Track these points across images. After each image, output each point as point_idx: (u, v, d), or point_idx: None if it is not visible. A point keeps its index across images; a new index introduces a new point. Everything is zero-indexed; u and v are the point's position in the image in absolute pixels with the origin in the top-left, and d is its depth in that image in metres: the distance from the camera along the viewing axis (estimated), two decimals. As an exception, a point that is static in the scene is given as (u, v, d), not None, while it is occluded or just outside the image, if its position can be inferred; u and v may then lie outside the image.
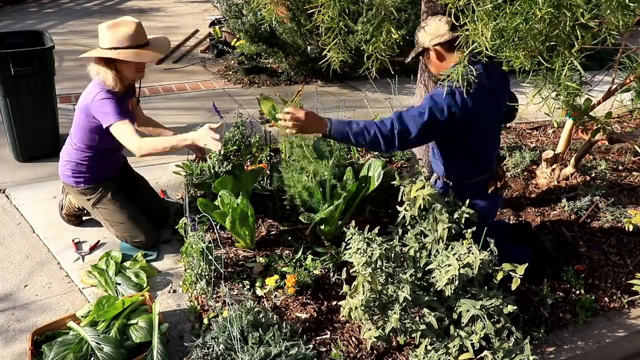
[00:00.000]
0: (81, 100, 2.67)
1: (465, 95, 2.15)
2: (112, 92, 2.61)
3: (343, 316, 2.35)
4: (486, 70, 2.23)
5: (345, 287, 2.24)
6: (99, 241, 2.93)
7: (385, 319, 2.14)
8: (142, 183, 3.15)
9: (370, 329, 2.15)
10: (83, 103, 2.65)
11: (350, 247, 2.15)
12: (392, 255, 2.16)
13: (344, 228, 2.85)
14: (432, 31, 2.27)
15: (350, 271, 2.18)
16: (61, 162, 2.85)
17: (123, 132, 2.54)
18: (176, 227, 3.02)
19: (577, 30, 1.55)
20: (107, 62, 2.59)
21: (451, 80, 2.01)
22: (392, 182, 2.32)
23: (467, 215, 2.22)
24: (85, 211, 3.01)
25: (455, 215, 2.22)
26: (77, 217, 3.05)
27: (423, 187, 2.21)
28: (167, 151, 2.59)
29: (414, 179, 2.27)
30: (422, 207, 2.21)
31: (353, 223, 2.22)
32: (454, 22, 2.08)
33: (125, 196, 2.90)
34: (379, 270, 2.11)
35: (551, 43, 1.63)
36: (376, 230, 2.19)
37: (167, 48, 2.89)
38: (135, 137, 2.53)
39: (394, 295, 2.11)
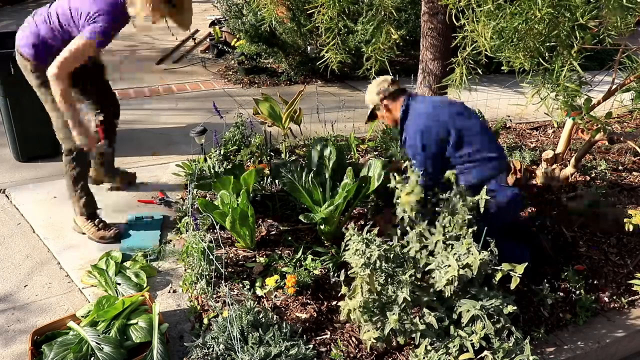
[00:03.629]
0: None
1: (427, 125, 2.52)
2: (125, 13, 2.46)
3: (342, 317, 2.35)
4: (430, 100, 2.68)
5: (344, 289, 2.24)
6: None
7: (385, 319, 2.14)
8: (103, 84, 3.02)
9: (369, 330, 2.15)
10: None
11: (349, 248, 2.15)
12: (392, 256, 2.15)
13: (344, 228, 2.86)
14: (376, 90, 2.70)
15: (349, 272, 2.18)
16: (25, 35, 2.60)
17: (79, 49, 2.40)
18: (177, 227, 3.03)
19: (576, 31, 1.55)
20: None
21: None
22: (388, 185, 2.31)
23: (486, 199, 2.20)
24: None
25: (472, 203, 2.21)
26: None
27: (412, 192, 2.19)
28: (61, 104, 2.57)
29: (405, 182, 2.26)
30: (411, 210, 2.20)
31: (352, 224, 2.22)
32: (392, 78, 2.66)
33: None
34: (378, 271, 2.11)
35: (551, 44, 1.63)
36: (376, 230, 2.19)
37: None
38: (67, 65, 2.43)
39: (394, 296, 2.11)
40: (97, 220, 2.96)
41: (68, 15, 2.52)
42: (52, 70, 2.47)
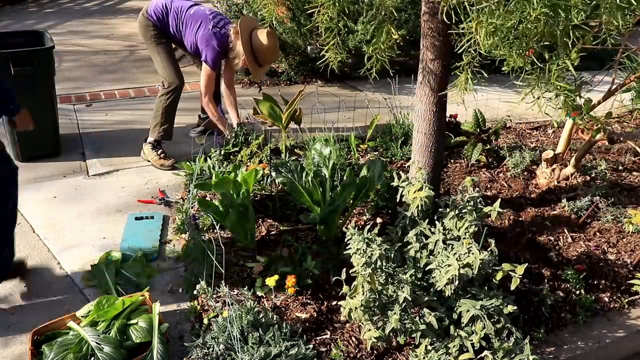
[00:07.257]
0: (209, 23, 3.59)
1: None
2: (225, 47, 3.60)
3: (343, 316, 2.35)
4: None
5: (345, 288, 2.24)
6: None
7: (385, 319, 2.14)
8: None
9: (370, 330, 2.16)
10: (209, 32, 3.57)
11: (350, 248, 2.15)
12: (392, 255, 2.16)
13: (344, 228, 2.86)
14: None
15: (350, 272, 2.18)
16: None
17: (206, 74, 3.66)
18: (177, 227, 3.03)
19: (572, 31, 1.55)
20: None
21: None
22: (392, 184, 2.32)
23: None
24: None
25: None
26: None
27: (421, 189, 2.21)
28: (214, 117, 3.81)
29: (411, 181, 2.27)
30: (420, 208, 2.21)
31: (353, 223, 2.23)
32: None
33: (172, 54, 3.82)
34: (378, 270, 2.11)
35: (546, 43, 1.63)
36: (376, 230, 2.20)
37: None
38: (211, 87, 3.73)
39: (394, 296, 2.11)
40: (160, 150, 3.69)
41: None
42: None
